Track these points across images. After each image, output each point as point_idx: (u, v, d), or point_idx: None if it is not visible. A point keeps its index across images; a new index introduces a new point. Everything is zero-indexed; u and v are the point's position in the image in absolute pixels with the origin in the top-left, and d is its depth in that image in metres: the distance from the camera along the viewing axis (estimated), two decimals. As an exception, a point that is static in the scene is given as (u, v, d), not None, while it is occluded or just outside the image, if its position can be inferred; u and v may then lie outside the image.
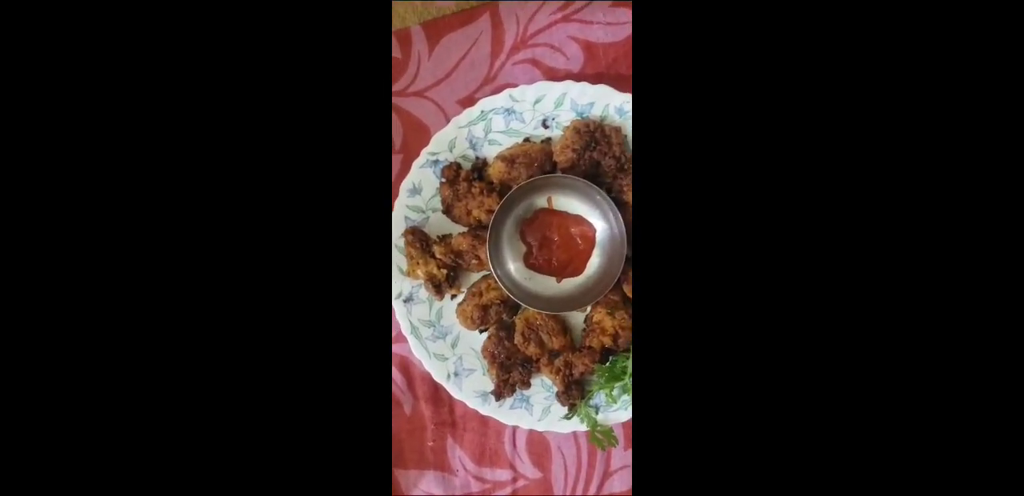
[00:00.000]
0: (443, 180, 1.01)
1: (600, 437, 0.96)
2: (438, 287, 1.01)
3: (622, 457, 1.02)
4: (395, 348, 1.04)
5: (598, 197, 0.96)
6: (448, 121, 1.02)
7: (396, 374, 1.04)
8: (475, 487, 1.04)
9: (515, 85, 1.02)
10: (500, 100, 1.01)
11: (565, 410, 0.99)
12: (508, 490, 1.04)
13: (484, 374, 1.01)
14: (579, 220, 0.99)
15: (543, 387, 1.01)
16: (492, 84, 1.05)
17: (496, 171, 0.99)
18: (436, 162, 1.01)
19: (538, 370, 1.00)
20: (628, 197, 0.96)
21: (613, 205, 0.95)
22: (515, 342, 1.00)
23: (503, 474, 1.04)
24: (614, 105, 0.98)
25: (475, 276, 1.03)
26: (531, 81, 1.01)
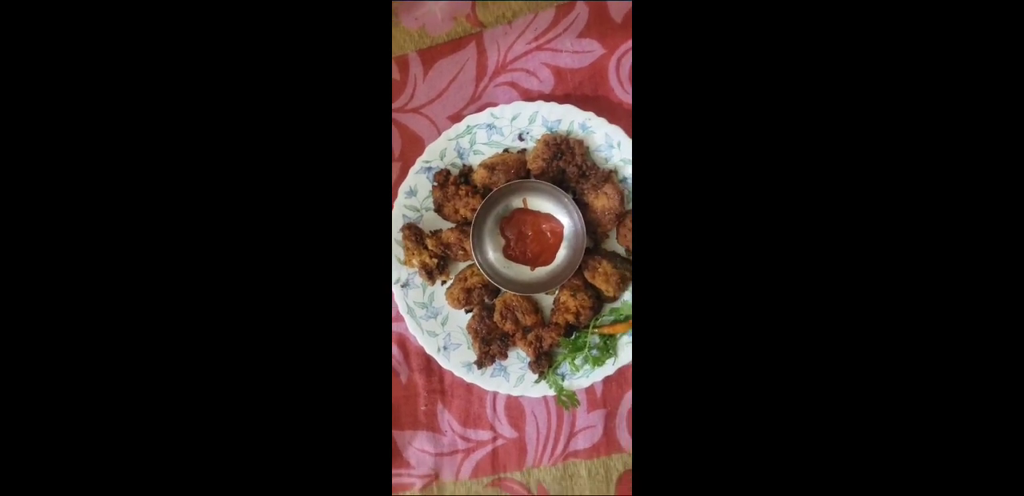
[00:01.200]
0: (435, 184, 1.11)
1: (565, 399, 1.08)
2: (430, 274, 1.11)
3: (585, 419, 1.13)
4: (394, 326, 1.15)
5: (564, 199, 1.08)
6: (440, 134, 1.11)
7: (394, 349, 1.15)
8: (461, 445, 1.14)
9: (496, 104, 1.11)
10: (483, 117, 1.10)
11: (536, 377, 1.10)
12: (489, 448, 1.14)
13: (468, 348, 1.12)
14: (549, 218, 1.11)
15: (518, 358, 1.11)
16: (477, 103, 1.15)
17: (479, 176, 1.09)
18: (429, 169, 1.11)
19: (514, 343, 1.10)
20: (588, 199, 1.08)
21: (576, 206, 1.07)
22: (494, 320, 1.10)
23: (484, 434, 1.14)
24: (578, 121, 1.09)
25: (461, 265, 1.13)
26: (509, 101, 1.12)
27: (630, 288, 1.11)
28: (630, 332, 1.10)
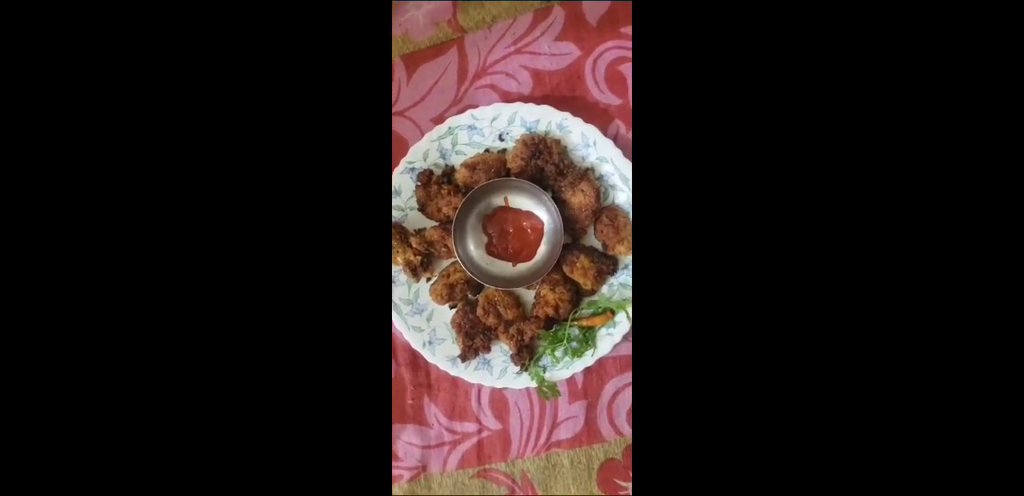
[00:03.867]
0: (418, 184, 1.14)
1: (546, 390, 1.11)
2: (415, 271, 1.14)
3: (567, 410, 1.15)
4: None
5: (543, 197, 1.10)
6: (423, 136, 1.15)
7: (381, 344, 1.21)
8: (447, 437, 1.17)
9: (476, 106, 1.14)
10: (464, 118, 1.13)
11: (518, 369, 1.13)
12: (474, 440, 1.17)
13: (453, 342, 1.14)
14: (529, 215, 1.14)
15: (501, 351, 1.14)
16: (458, 105, 1.18)
17: (461, 176, 1.12)
18: (413, 169, 1.14)
19: (496, 337, 1.13)
20: (566, 196, 1.11)
21: (554, 203, 1.10)
22: (477, 314, 1.13)
23: (470, 426, 1.17)
24: (555, 121, 1.12)
25: (445, 262, 1.16)
26: (489, 103, 1.14)
27: (607, 281, 1.14)
28: (608, 324, 1.13)
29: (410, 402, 1.18)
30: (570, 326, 1.12)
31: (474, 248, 1.15)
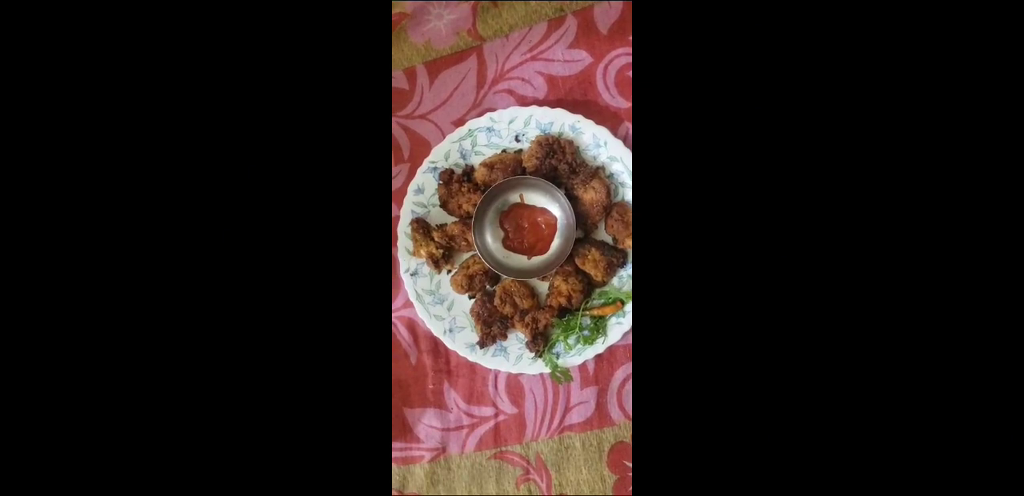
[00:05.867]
0: (440, 182, 1.19)
1: (559, 375, 1.17)
2: (437, 263, 1.19)
3: (579, 395, 1.20)
4: (404, 312, 1.23)
5: (557, 193, 1.15)
6: (444, 137, 1.20)
7: (405, 332, 1.23)
8: (466, 421, 1.22)
9: (494, 109, 1.19)
10: (483, 121, 1.19)
11: (533, 356, 1.18)
12: (491, 423, 1.22)
13: (472, 330, 1.19)
14: (543, 211, 1.18)
15: (516, 339, 1.19)
16: (478, 109, 1.23)
17: (480, 175, 1.17)
18: (435, 169, 1.19)
19: (512, 325, 1.18)
20: (578, 193, 1.17)
21: (567, 200, 1.14)
22: (495, 304, 1.17)
23: (487, 410, 1.22)
24: (568, 123, 1.18)
25: (465, 255, 1.21)
26: (506, 106, 1.20)
27: (617, 273, 1.20)
28: (618, 313, 1.19)
29: (431, 387, 1.24)
30: (582, 315, 1.18)
31: (492, 242, 1.20)
